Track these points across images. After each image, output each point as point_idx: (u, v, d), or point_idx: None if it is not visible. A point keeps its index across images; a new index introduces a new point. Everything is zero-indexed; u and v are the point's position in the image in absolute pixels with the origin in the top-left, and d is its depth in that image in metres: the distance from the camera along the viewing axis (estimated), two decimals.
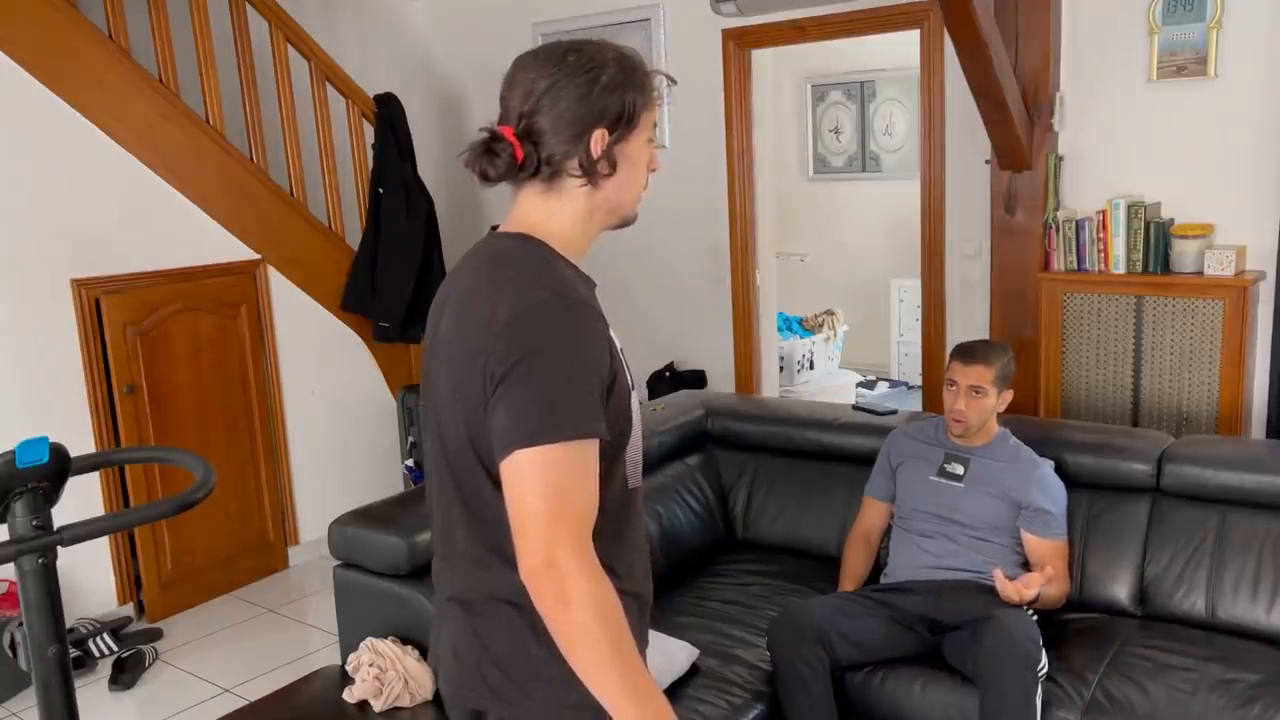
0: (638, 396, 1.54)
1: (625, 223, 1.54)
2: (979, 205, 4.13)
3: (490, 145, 1.45)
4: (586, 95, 1.42)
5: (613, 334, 1.47)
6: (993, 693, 2.46)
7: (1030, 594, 2.61)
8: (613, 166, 1.46)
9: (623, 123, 1.45)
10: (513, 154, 1.44)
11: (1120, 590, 2.92)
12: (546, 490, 1.32)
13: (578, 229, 1.49)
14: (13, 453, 1.55)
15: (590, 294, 1.47)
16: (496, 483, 1.38)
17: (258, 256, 4.48)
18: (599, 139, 1.44)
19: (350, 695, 2.61)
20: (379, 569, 2.77)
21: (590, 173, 1.45)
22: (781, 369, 6.09)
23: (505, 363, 1.34)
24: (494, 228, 1.54)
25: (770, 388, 5.18)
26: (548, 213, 1.48)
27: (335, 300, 4.77)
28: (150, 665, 3.79)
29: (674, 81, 1.54)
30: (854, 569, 3.05)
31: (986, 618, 2.59)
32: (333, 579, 2.90)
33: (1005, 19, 3.70)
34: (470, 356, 1.40)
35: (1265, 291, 3.65)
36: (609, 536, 1.44)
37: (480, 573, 1.47)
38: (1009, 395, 2.95)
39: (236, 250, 4.41)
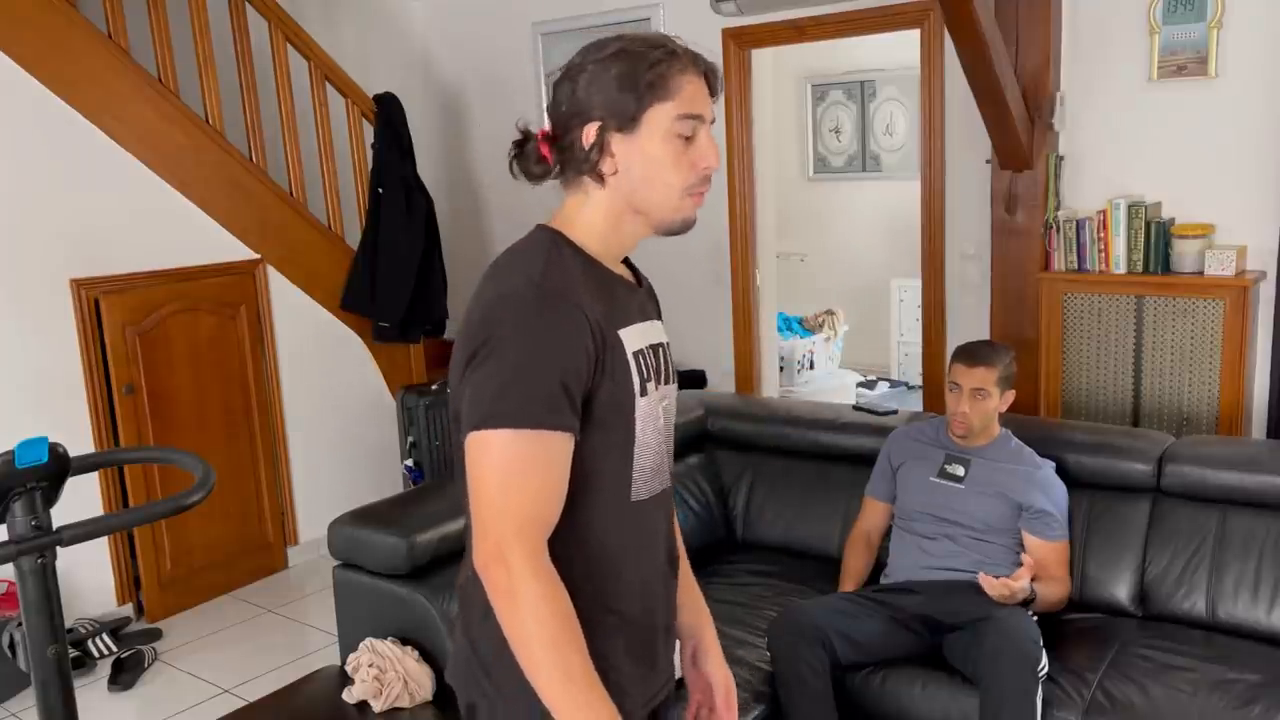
0: (656, 404, 1.46)
1: (669, 229, 1.44)
2: (979, 205, 4.13)
3: (520, 146, 1.46)
4: (584, 87, 1.39)
5: (625, 335, 1.41)
6: (993, 693, 2.46)
7: (1019, 585, 2.60)
8: (614, 164, 1.39)
9: (619, 116, 1.38)
10: (539, 154, 1.44)
11: (1120, 590, 2.92)
12: (496, 478, 1.30)
13: (603, 228, 1.44)
14: (12, 453, 1.54)
15: (592, 291, 1.39)
16: None
17: (257, 256, 4.48)
18: (589, 133, 1.39)
19: (350, 695, 2.61)
20: (379, 569, 2.76)
21: (586, 168, 1.40)
22: (781, 369, 6.08)
23: (471, 346, 1.35)
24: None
25: (770, 388, 5.17)
26: (576, 209, 1.46)
27: (335, 300, 4.77)
28: (150, 665, 3.79)
29: (709, 63, 1.46)
30: (854, 569, 3.05)
31: (987, 618, 2.59)
32: (332, 579, 2.90)
33: (1005, 19, 3.70)
34: (457, 341, 1.41)
35: (1265, 291, 3.64)
36: (596, 553, 1.41)
37: (467, 558, 1.46)
38: (1011, 396, 2.95)
39: (236, 250, 4.41)
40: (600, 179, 1.41)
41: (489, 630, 1.39)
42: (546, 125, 1.46)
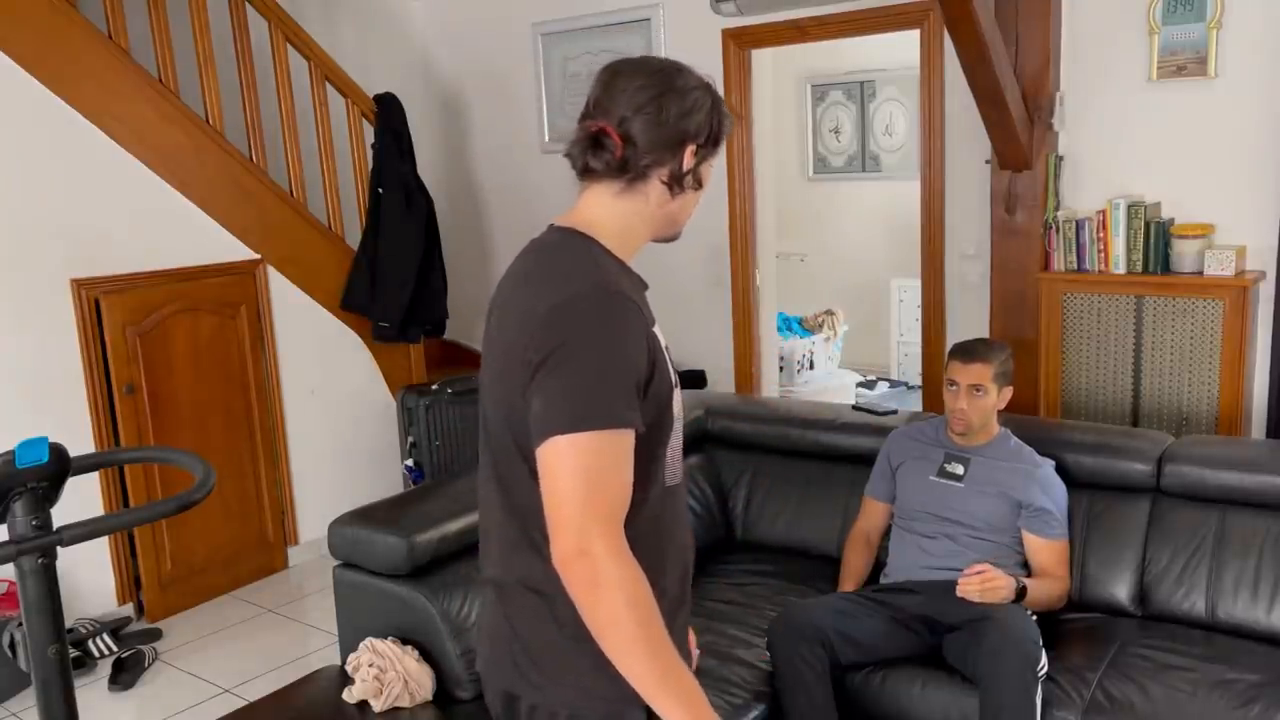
0: (679, 395, 1.57)
1: (673, 237, 1.61)
2: (979, 205, 4.13)
3: (599, 139, 1.49)
4: (690, 111, 1.50)
5: (657, 330, 1.50)
6: (993, 693, 2.46)
7: (986, 575, 2.61)
8: (697, 181, 1.55)
9: (709, 143, 1.54)
10: (615, 151, 1.48)
11: (1120, 590, 2.92)
12: (579, 477, 1.35)
13: (638, 231, 1.54)
14: (12, 453, 1.54)
15: (635, 291, 1.50)
16: (532, 470, 1.42)
17: (257, 256, 4.48)
18: (691, 152, 1.51)
19: (350, 695, 2.61)
20: (379, 569, 2.76)
21: (679, 182, 1.52)
22: (781, 369, 6.08)
23: (542, 351, 1.38)
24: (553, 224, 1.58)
25: (770, 388, 5.17)
26: (616, 212, 1.52)
27: (335, 300, 4.77)
28: (150, 665, 3.79)
29: (739, 117, 1.63)
30: (854, 569, 3.05)
31: (986, 618, 2.59)
32: (332, 579, 2.90)
33: (1005, 19, 3.70)
34: (511, 346, 1.45)
35: (1265, 291, 3.64)
36: (645, 533, 1.45)
37: (510, 557, 1.52)
38: (1009, 392, 2.95)
39: (236, 250, 4.41)
40: (676, 194, 1.52)
41: (540, 625, 1.47)
42: (600, 124, 1.50)
